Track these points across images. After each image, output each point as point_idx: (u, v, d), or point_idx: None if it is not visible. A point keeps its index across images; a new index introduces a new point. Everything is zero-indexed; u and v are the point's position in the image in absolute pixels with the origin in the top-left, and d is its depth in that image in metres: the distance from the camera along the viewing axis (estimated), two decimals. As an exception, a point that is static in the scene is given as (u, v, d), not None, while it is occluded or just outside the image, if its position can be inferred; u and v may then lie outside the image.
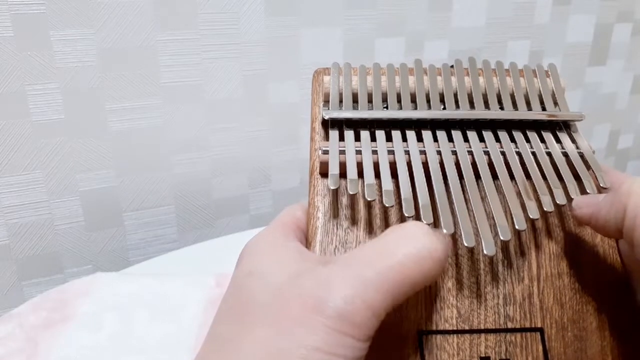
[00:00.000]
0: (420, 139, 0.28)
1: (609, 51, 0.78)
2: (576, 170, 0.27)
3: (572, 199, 0.26)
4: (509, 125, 0.29)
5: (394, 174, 0.26)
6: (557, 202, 0.25)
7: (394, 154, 0.26)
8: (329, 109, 0.29)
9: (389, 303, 0.20)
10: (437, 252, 0.20)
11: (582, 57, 0.76)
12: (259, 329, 0.19)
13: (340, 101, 0.29)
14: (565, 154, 0.27)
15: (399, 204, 0.25)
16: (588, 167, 0.27)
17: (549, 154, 0.27)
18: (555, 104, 0.30)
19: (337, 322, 0.18)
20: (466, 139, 0.28)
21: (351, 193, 0.24)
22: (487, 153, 0.27)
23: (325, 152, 0.27)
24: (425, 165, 0.26)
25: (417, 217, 0.25)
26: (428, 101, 0.29)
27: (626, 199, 0.22)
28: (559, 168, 0.27)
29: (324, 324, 0.18)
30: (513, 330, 0.24)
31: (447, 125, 0.28)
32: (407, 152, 0.27)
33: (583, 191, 0.26)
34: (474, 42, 0.67)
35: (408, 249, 0.20)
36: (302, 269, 0.21)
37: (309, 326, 0.18)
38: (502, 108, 0.29)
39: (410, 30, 0.63)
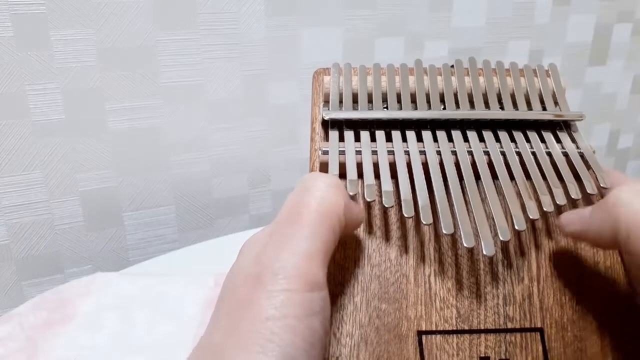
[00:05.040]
0: (420, 139, 0.27)
1: (609, 51, 0.78)
2: (576, 170, 0.27)
3: (572, 199, 0.25)
4: (509, 125, 0.29)
5: (394, 175, 0.26)
6: (557, 202, 0.25)
7: (393, 154, 0.26)
8: (329, 109, 0.29)
9: (315, 243, 0.20)
10: (330, 178, 0.23)
11: (582, 57, 0.76)
12: (228, 324, 0.20)
13: (340, 101, 0.29)
14: (566, 154, 0.27)
15: (399, 204, 0.25)
16: (588, 167, 0.27)
17: (549, 154, 0.27)
18: (556, 103, 0.30)
19: (275, 283, 0.19)
20: (466, 139, 0.28)
21: (351, 194, 0.24)
22: (487, 153, 0.27)
23: (325, 153, 0.26)
24: (425, 166, 0.26)
25: (417, 217, 0.25)
26: (428, 101, 0.29)
27: (615, 211, 0.22)
28: (559, 168, 0.27)
29: (266, 291, 0.19)
30: (513, 331, 0.24)
31: (447, 125, 0.28)
32: (407, 153, 0.27)
33: (583, 191, 0.26)
34: (474, 42, 0.67)
35: (307, 186, 0.22)
36: None
37: (256, 301, 0.19)
38: (502, 108, 0.29)
39: (410, 30, 0.63)
